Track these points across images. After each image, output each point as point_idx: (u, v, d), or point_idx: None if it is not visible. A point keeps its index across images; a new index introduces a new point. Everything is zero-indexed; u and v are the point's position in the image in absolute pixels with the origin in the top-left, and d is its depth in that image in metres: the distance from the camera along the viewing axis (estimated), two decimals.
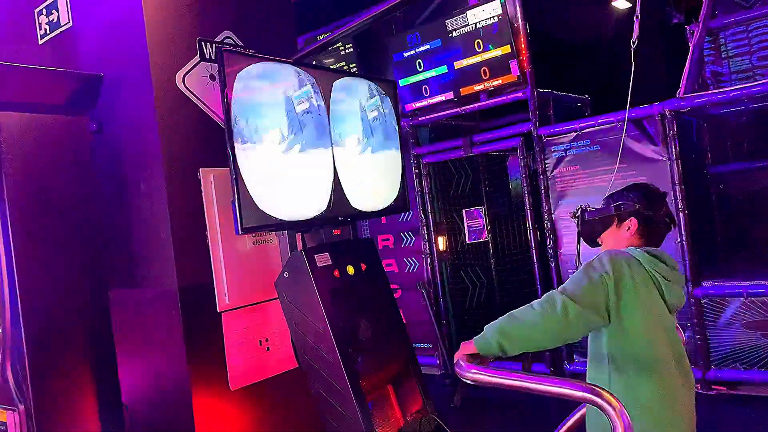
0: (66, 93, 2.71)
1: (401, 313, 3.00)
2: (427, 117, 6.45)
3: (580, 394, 1.66)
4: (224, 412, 2.87)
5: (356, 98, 2.99)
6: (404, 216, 6.66)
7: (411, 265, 6.75)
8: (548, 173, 5.69)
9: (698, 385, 4.79)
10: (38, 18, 3.25)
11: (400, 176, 3.28)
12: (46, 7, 3.20)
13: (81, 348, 2.66)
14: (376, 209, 3.09)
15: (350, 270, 2.76)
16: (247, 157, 2.43)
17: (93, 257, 2.75)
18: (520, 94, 5.80)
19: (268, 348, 3.07)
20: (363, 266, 2.84)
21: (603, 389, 1.66)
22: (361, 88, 3.04)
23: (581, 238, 2.24)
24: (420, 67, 6.36)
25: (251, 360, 2.98)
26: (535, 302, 1.94)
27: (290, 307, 2.65)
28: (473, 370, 1.85)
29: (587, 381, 2.01)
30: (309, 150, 2.67)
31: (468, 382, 1.86)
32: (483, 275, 7.33)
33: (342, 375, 2.48)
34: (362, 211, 2.96)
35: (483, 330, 1.99)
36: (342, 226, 2.89)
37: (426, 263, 6.59)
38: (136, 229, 2.87)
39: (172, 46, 2.84)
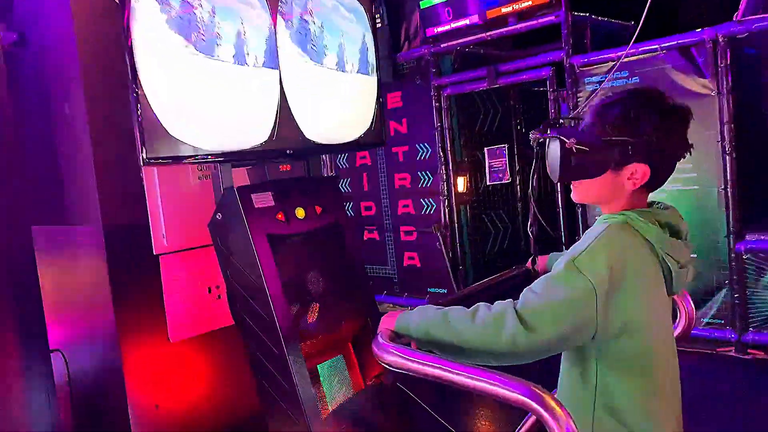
0: None
1: (360, 266, 2.58)
2: (449, 43, 5.84)
3: (515, 396, 1.22)
4: (162, 365, 2.56)
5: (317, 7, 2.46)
6: (423, 154, 6.18)
7: (428, 206, 6.29)
8: (580, 108, 5.06)
9: (732, 348, 4.32)
10: None
11: (375, 104, 2.78)
12: None
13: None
14: (338, 141, 2.61)
15: (300, 213, 2.33)
16: (155, 64, 1.98)
17: (15, 189, 2.43)
18: (552, 18, 5.12)
19: (219, 296, 2.73)
20: (318, 209, 2.41)
21: (546, 393, 1.20)
22: None
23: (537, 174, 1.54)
24: None
25: (197, 309, 2.65)
26: (481, 310, 1.39)
27: (224, 254, 2.27)
28: (391, 350, 1.42)
29: (561, 372, 1.54)
30: (243, 64, 2.19)
31: (383, 364, 1.44)
32: (508, 219, 6.84)
33: (279, 339, 2.11)
34: (318, 144, 2.48)
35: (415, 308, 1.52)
36: (292, 161, 2.45)
37: (443, 205, 6.12)
38: (61, 159, 2.52)
39: None
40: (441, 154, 6.02)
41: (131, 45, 1.87)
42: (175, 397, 2.60)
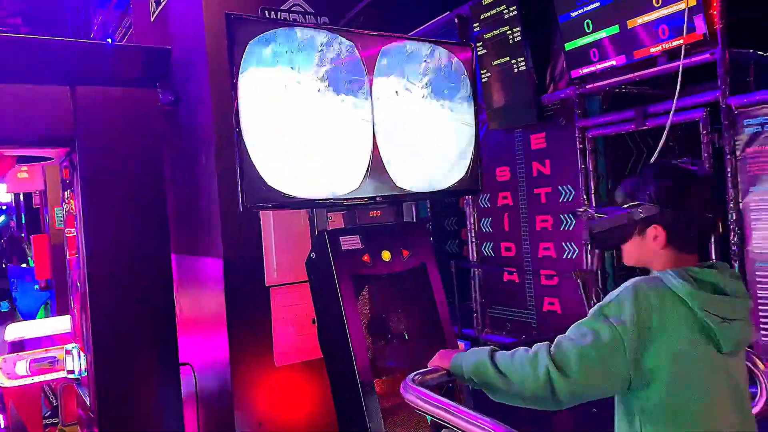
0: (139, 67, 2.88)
1: (443, 308, 2.65)
2: (595, 84, 5.67)
3: None
4: (267, 386, 2.88)
5: (406, 63, 2.67)
6: (565, 196, 6.04)
7: (569, 250, 6.10)
8: (737, 153, 4.63)
9: None
10: None
11: (472, 152, 2.88)
12: None
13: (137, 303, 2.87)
14: (430, 189, 2.74)
15: (386, 256, 2.50)
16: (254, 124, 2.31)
17: (158, 222, 2.93)
18: (706, 56, 4.78)
19: None
20: (405, 252, 2.56)
21: None
22: (418, 48, 2.71)
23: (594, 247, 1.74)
24: (588, 28, 5.60)
25: (301, 338, 2.94)
26: (520, 351, 1.49)
27: (314, 289, 2.50)
28: (414, 393, 1.53)
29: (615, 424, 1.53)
30: (338, 118, 2.46)
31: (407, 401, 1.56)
32: None
33: (354, 374, 2.28)
34: (407, 192, 2.64)
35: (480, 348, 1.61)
36: (380, 207, 2.63)
37: (585, 250, 5.89)
38: (199, 198, 3.01)
39: None
40: (584, 196, 5.84)
41: (237, 108, 2.22)
42: (278, 417, 2.88)
